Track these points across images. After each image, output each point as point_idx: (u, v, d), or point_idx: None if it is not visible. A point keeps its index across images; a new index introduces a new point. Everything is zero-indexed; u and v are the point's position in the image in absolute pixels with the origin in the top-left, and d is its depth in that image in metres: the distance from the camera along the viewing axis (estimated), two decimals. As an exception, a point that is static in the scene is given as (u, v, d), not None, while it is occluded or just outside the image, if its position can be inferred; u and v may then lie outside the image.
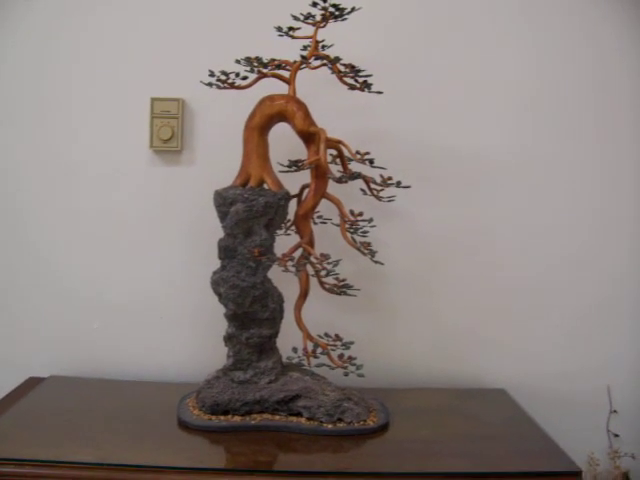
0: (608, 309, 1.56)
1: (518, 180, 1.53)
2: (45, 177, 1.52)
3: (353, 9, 1.24)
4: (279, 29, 1.27)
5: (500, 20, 1.50)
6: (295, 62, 1.27)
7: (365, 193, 1.30)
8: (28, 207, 1.53)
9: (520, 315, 1.56)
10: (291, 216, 1.30)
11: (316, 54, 1.27)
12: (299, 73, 1.27)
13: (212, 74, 1.27)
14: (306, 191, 1.29)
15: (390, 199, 1.26)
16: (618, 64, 1.51)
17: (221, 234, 1.25)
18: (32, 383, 1.45)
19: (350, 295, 1.24)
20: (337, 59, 1.25)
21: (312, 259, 1.23)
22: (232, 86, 1.28)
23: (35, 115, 1.51)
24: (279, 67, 1.28)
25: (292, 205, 1.29)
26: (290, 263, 1.20)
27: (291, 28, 1.27)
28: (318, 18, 1.25)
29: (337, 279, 1.24)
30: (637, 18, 1.50)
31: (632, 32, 1.50)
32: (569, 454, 1.17)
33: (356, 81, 1.27)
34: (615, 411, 1.56)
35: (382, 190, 1.27)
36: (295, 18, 1.25)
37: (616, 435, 1.56)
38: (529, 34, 1.51)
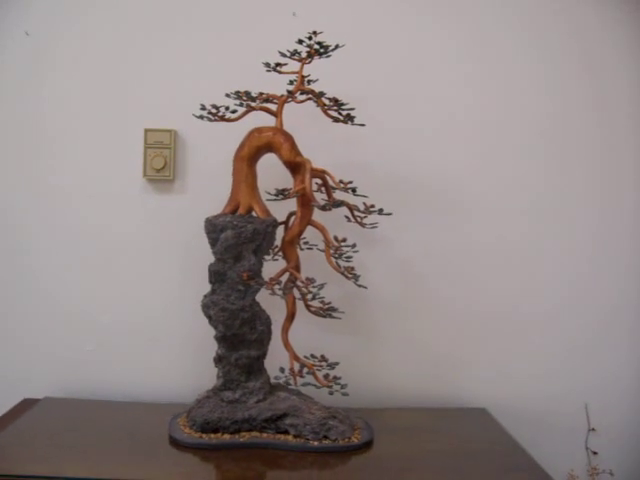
0: (586, 330, 1.58)
1: (499, 206, 1.56)
2: (43, 204, 1.55)
3: (337, 46, 1.29)
4: (267, 65, 1.33)
5: (482, 51, 1.55)
6: (282, 96, 1.32)
7: (349, 220, 1.33)
8: (25, 233, 1.56)
9: (500, 337, 1.58)
10: (278, 242, 1.33)
11: (302, 89, 1.31)
12: (286, 106, 1.32)
13: (203, 107, 1.31)
14: (293, 218, 1.32)
15: (373, 226, 1.30)
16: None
17: (212, 259, 1.28)
18: (26, 404, 1.45)
19: (335, 317, 1.28)
20: (321, 93, 1.30)
21: (298, 283, 1.27)
22: (222, 119, 1.32)
23: (32, 145, 1.54)
24: (267, 101, 1.32)
25: (279, 231, 1.33)
26: (277, 287, 1.24)
27: (278, 64, 1.32)
28: (304, 55, 1.30)
29: (322, 302, 1.27)
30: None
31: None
32: (549, 471, 1.19)
33: (340, 114, 1.31)
34: (593, 429, 1.58)
35: (365, 217, 1.30)
36: (282, 55, 1.30)
37: (595, 452, 1.58)
38: (512, 60, 1.55)
